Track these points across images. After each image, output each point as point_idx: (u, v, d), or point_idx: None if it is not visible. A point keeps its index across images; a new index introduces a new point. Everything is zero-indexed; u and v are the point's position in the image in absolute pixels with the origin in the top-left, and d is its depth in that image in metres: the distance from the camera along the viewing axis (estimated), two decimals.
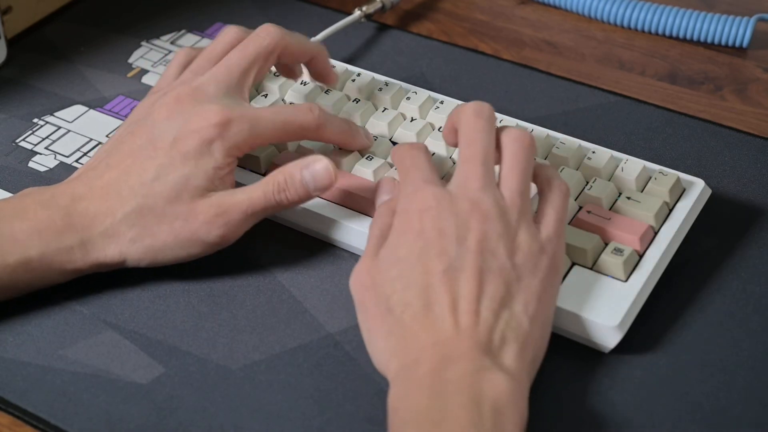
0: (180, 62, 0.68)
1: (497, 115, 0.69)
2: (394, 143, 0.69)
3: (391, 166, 0.67)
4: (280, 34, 0.66)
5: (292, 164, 0.63)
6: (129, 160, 0.62)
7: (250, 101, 0.72)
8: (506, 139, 0.60)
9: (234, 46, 0.67)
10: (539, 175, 0.62)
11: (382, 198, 0.63)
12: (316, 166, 0.62)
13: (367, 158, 0.67)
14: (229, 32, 0.68)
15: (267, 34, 0.66)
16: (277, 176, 0.62)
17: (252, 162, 0.68)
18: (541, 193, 0.61)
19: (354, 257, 0.66)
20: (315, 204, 0.66)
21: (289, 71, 0.71)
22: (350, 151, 0.67)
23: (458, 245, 0.56)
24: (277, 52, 0.66)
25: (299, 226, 0.67)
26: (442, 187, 0.59)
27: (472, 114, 0.61)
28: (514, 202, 0.58)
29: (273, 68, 0.73)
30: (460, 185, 0.58)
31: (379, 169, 0.67)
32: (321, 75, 0.70)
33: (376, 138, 0.68)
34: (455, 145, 0.62)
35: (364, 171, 0.66)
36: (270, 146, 0.69)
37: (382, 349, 0.56)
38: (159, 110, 0.63)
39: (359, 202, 0.65)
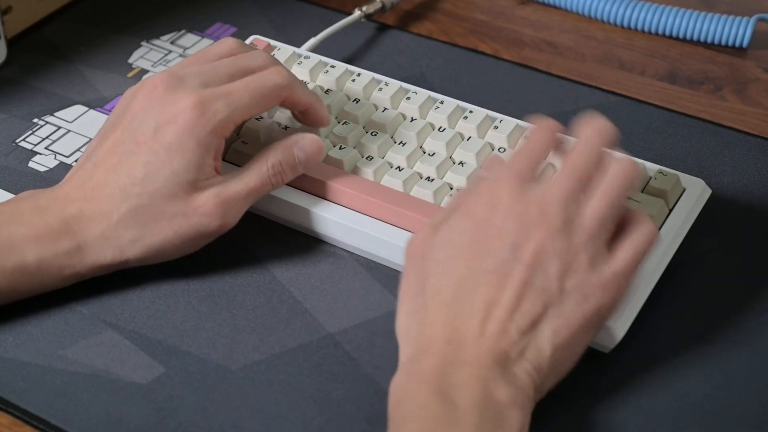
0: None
1: (497, 115, 0.69)
2: (394, 142, 0.69)
3: (391, 165, 0.67)
4: (291, 79, 0.64)
5: (282, 143, 0.64)
6: (114, 157, 0.62)
7: None
8: (613, 164, 0.57)
9: (231, 56, 0.65)
10: (632, 213, 0.58)
11: (482, 173, 0.60)
12: (305, 141, 0.64)
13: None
14: (227, 43, 0.66)
15: (279, 75, 0.64)
16: (269, 159, 0.63)
17: (242, 159, 0.68)
18: (626, 227, 0.57)
19: (354, 257, 0.66)
20: (315, 204, 0.66)
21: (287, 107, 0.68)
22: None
23: (512, 251, 0.54)
24: (283, 96, 0.64)
25: (299, 226, 0.67)
26: (528, 185, 0.56)
27: (594, 131, 0.58)
28: (589, 225, 0.55)
29: None
30: (543, 191, 0.56)
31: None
32: (316, 122, 0.68)
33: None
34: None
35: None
36: (258, 143, 0.68)
37: (403, 326, 0.56)
38: (137, 100, 0.63)
39: (359, 202, 0.65)
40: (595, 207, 0.56)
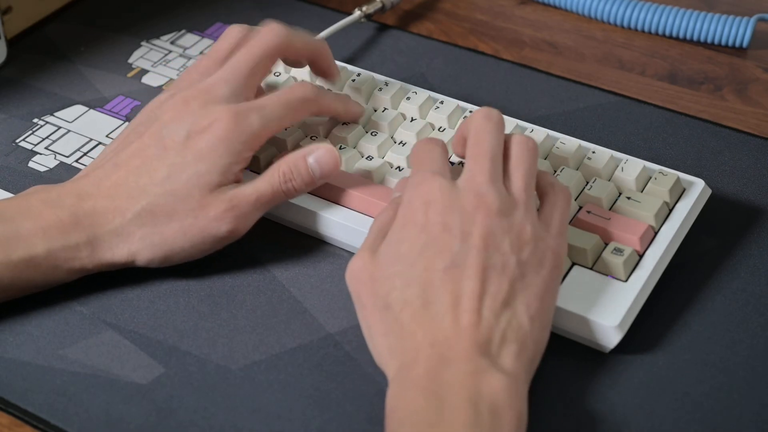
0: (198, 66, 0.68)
1: None
2: (394, 142, 0.69)
3: (391, 165, 0.67)
4: (284, 33, 0.66)
5: (295, 153, 0.63)
6: (137, 160, 0.62)
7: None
8: (511, 143, 0.60)
9: (238, 45, 0.67)
10: (541, 180, 0.61)
11: (394, 195, 0.62)
12: (320, 151, 0.63)
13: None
14: (233, 31, 0.67)
15: (271, 33, 0.66)
16: (281, 166, 0.63)
17: (252, 162, 0.68)
18: (544, 197, 0.61)
19: None
20: (316, 204, 0.66)
21: (293, 63, 0.71)
22: (352, 126, 0.69)
23: (462, 241, 0.55)
24: (282, 51, 0.66)
25: (299, 226, 0.67)
26: (450, 180, 0.58)
27: (482, 117, 0.61)
28: (519, 197, 0.58)
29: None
30: (467, 179, 0.58)
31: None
32: (323, 71, 0.70)
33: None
34: (464, 156, 0.62)
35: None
36: (270, 146, 0.69)
37: (382, 346, 0.56)
38: (166, 112, 0.63)
39: (360, 202, 0.65)
40: (517, 180, 0.59)
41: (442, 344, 0.53)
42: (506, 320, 0.54)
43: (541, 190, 0.61)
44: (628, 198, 0.64)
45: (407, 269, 0.56)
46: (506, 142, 0.61)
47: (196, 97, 0.63)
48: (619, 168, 0.66)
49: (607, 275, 0.61)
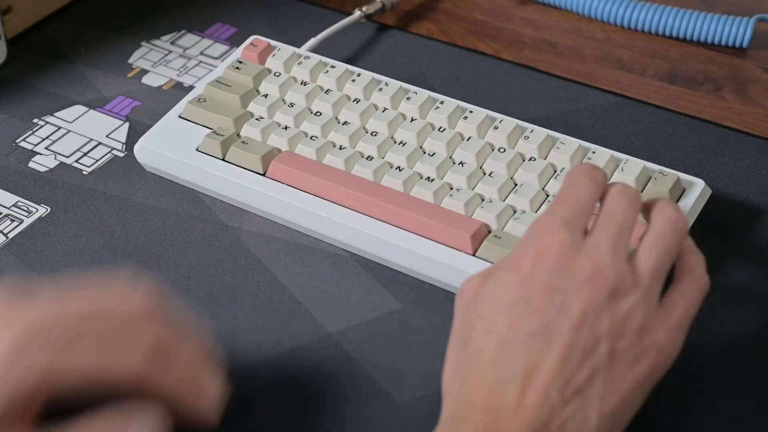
0: None
1: (497, 115, 0.69)
2: (394, 142, 0.69)
3: (391, 165, 0.67)
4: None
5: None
6: None
7: (249, 102, 0.72)
8: (657, 216, 0.54)
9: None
10: (683, 261, 0.55)
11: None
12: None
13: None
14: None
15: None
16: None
17: (243, 159, 0.68)
18: (676, 281, 0.54)
19: (354, 257, 0.66)
20: (316, 204, 0.66)
21: None
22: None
23: (559, 310, 0.50)
24: None
25: (299, 227, 0.67)
26: (577, 237, 0.52)
27: (617, 192, 0.54)
28: (643, 280, 0.51)
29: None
30: (590, 245, 0.52)
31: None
32: None
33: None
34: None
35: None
36: (269, 146, 0.69)
37: (447, 380, 0.52)
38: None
39: (360, 202, 0.65)
40: (648, 259, 0.52)
41: (496, 414, 0.49)
42: (573, 409, 0.49)
43: (679, 272, 0.54)
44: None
45: (494, 316, 0.51)
46: (652, 212, 0.55)
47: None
48: (619, 168, 0.66)
49: None
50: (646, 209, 0.56)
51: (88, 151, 0.74)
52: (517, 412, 0.48)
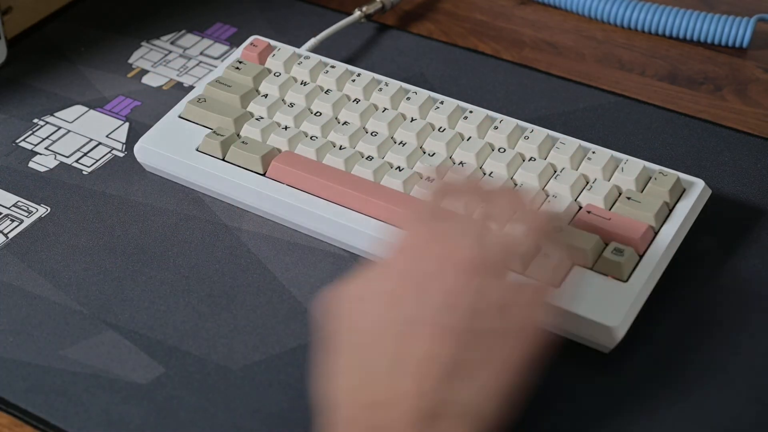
0: None
1: (497, 115, 0.69)
2: (394, 142, 0.69)
3: (391, 165, 0.67)
4: None
5: None
6: None
7: (249, 102, 0.72)
8: (498, 192, 0.57)
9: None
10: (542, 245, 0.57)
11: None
12: None
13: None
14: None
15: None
16: None
17: (242, 159, 0.68)
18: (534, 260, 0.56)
19: (354, 257, 0.66)
20: (316, 204, 0.66)
21: None
22: None
23: (418, 296, 0.50)
24: None
25: (299, 227, 0.67)
26: (436, 224, 0.53)
27: (497, 187, 0.56)
28: (500, 253, 0.52)
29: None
30: (443, 231, 0.53)
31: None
32: None
33: None
34: None
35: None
36: (269, 146, 0.69)
37: (326, 385, 0.51)
38: None
39: (360, 202, 0.65)
40: (503, 241, 0.53)
41: (379, 409, 0.49)
42: (454, 390, 0.49)
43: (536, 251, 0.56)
44: (628, 198, 0.64)
45: (361, 315, 0.51)
46: (492, 190, 0.57)
47: None
48: (619, 168, 0.66)
49: (606, 275, 0.61)
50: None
51: (88, 151, 0.74)
52: (398, 401, 0.48)
